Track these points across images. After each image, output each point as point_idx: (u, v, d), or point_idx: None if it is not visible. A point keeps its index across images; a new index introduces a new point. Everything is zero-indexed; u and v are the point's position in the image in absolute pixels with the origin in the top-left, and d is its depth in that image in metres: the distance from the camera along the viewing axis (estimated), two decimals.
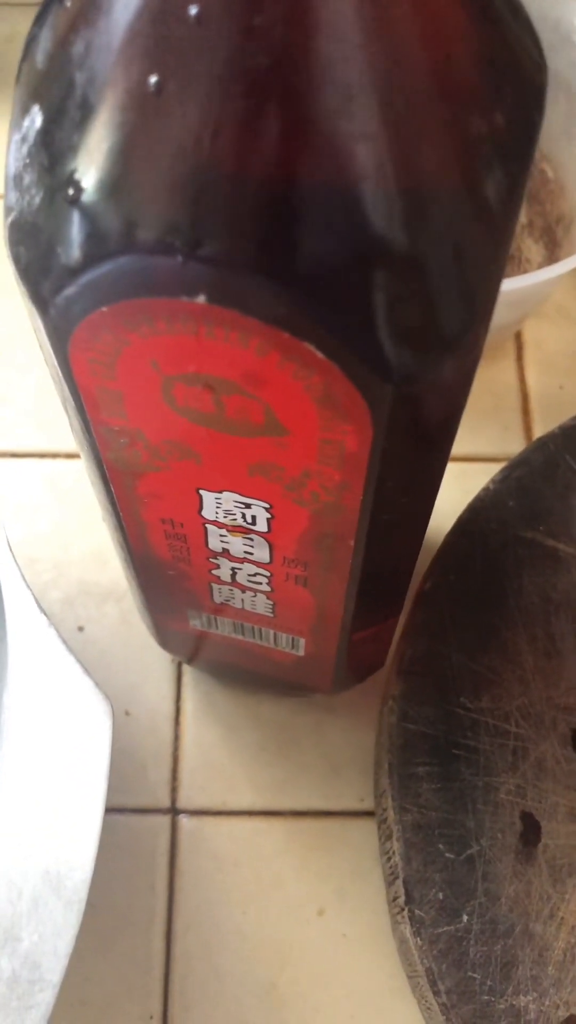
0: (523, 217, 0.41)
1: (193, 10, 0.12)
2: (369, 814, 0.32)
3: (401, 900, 0.28)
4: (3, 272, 0.42)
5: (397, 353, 0.15)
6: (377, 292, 0.14)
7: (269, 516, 0.20)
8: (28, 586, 0.24)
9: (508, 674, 0.30)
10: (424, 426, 0.18)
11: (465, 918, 0.27)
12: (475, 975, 0.26)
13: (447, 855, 0.28)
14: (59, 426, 0.39)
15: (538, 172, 0.40)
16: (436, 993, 0.26)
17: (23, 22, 0.50)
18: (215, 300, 0.14)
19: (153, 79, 0.13)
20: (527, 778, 0.29)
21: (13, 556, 0.24)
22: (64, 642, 0.23)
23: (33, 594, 0.24)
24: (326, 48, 0.12)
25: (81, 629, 0.35)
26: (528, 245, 0.41)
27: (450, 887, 0.27)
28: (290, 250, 0.13)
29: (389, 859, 0.29)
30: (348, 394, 0.15)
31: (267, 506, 0.20)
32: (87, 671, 0.24)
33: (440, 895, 0.27)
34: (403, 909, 0.27)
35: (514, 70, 0.15)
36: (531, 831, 0.28)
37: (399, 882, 0.28)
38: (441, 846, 0.28)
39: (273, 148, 0.13)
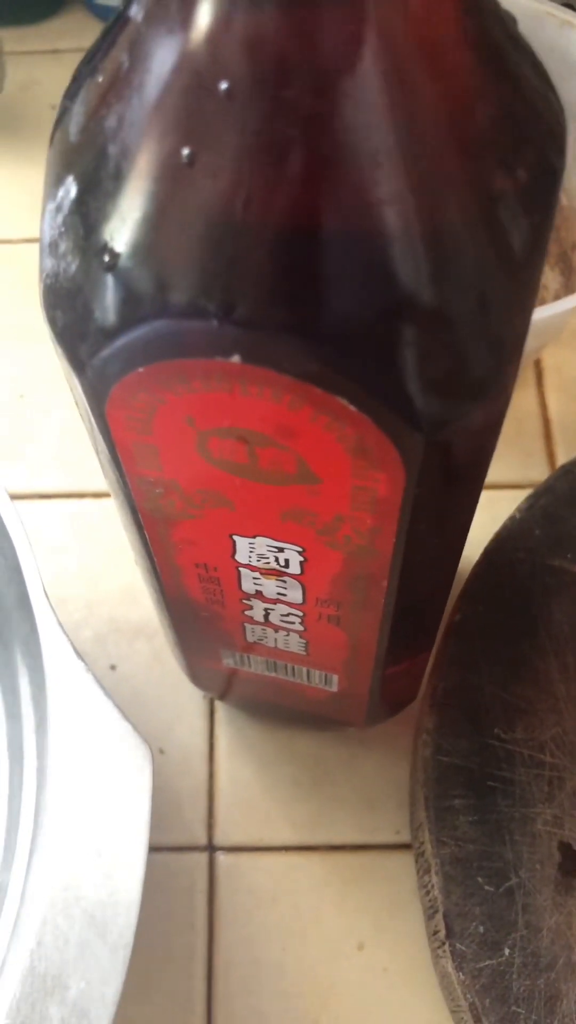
0: None
1: (223, 85, 0.13)
2: (406, 846, 0.32)
3: (442, 934, 0.28)
4: (25, 317, 0.42)
5: (428, 403, 0.15)
6: (407, 346, 0.14)
7: (302, 559, 0.21)
8: (65, 632, 0.24)
9: (541, 704, 0.30)
10: (455, 470, 0.18)
11: (507, 951, 0.27)
12: (519, 1009, 0.26)
13: (486, 888, 0.28)
14: (84, 466, 0.39)
15: None
16: None
17: (38, 69, 0.51)
18: (249, 360, 0.14)
19: (186, 151, 0.13)
20: (564, 808, 0.29)
21: (50, 603, 0.24)
22: (101, 686, 0.24)
23: (69, 639, 0.24)
24: (352, 117, 0.13)
25: (113, 668, 0.35)
26: (544, 272, 0.41)
27: (490, 920, 0.27)
28: (321, 310, 0.14)
29: (428, 892, 0.29)
30: (380, 444, 0.16)
31: (300, 550, 0.20)
32: (125, 715, 0.24)
33: (481, 928, 0.27)
34: (444, 943, 0.27)
35: (534, 121, 0.15)
36: (570, 861, 0.28)
37: (439, 916, 0.28)
38: (480, 879, 0.28)
39: (303, 213, 0.13)
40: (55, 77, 0.51)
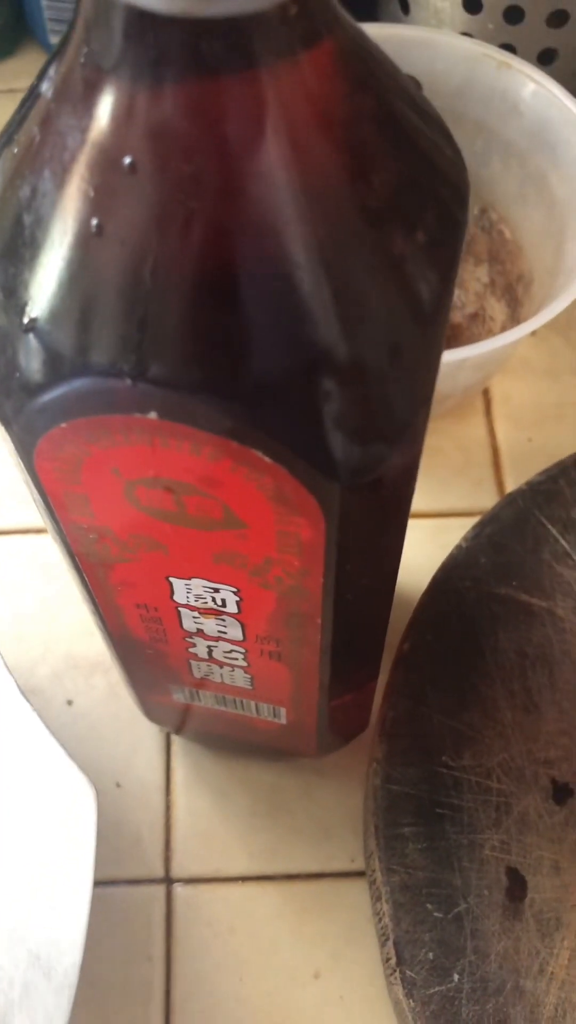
0: (485, 277, 0.43)
1: (127, 160, 0.13)
2: (361, 874, 0.33)
3: (393, 961, 0.28)
4: None
5: (342, 454, 0.16)
6: (318, 402, 0.15)
7: (238, 599, 0.21)
8: (10, 671, 0.24)
9: (488, 731, 0.31)
10: (375, 513, 0.18)
11: (456, 977, 0.27)
12: None
13: (435, 914, 0.28)
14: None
15: (497, 233, 0.42)
16: None
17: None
18: (166, 416, 0.15)
19: (94, 221, 0.14)
20: (511, 833, 0.29)
21: None
22: (48, 727, 0.24)
23: (15, 679, 0.25)
24: (251, 188, 0.13)
25: (70, 703, 0.36)
26: (491, 304, 0.42)
27: (440, 946, 0.28)
28: (230, 369, 0.14)
29: (380, 920, 0.29)
30: (297, 492, 0.16)
31: (235, 590, 0.21)
32: (73, 751, 0.24)
33: (430, 955, 0.28)
34: (395, 971, 0.28)
35: (435, 179, 0.16)
36: (517, 886, 0.28)
37: (390, 943, 0.28)
38: (429, 906, 0.28)
39: (207, 279, 0.14)
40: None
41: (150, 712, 0.32)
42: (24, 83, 0.53)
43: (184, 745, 0.35)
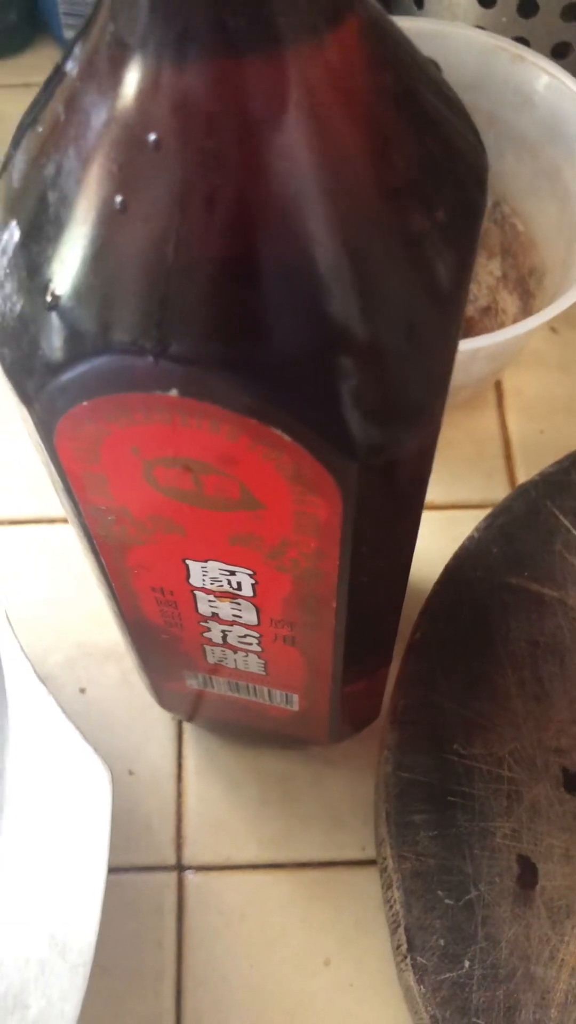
0: (498, 270, 0.43)
1: (151, 137, 0.13)
2: (372, 862, 0.33)
3: (404, 948, 0.28)
4: None
5: (359, 433, 0.16)
6: (337, 380, 0.15)
7: (253, 582, 0.21)
8: (26, 655, 0.25)
9: (499, 719, 0.31)
10: (392, 494, 0.18)
11: (467, 964, 0.27)
12: (479, 1021, 0.27)
13: (447, 901, 0.28)
14: (53, 492, 0.40)
15: (510, 227, 0.42)
16: None
17: (8, 104, 0.52)
18: (186, 393, 0.15)
19: (118, 198, 0.14)
20: (522, 821, 0.29)
21: (11, 626, 0.25)
22: (63, 710, 0.24)
23: (31, 663, 0.25)
24: (272, 164, 0.13)
25: (83, 691, 0.36)
26: (503, 297, 0.42)
27: (451, 933, 0.28)
28: (252, 347, 0.14)
29: (391, 907, 0.29)
30: (316, 471, 0.16)
31: (251, 573, 0.21)
32: (86, 737, 0.24)
33: (441, 941, 0.28)
34: (406, 957, 0.28)
35: (454, 161, 0.16)
36: (528, 874, 0.29)
37: (401, 930, 0.28)
38: (440, 892, 0.28)
39: (230, 256, 0.14)
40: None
41: (163, 699, 0.32)
42: (39, 78, 0.53)
43: (196, 733, 0.35)
